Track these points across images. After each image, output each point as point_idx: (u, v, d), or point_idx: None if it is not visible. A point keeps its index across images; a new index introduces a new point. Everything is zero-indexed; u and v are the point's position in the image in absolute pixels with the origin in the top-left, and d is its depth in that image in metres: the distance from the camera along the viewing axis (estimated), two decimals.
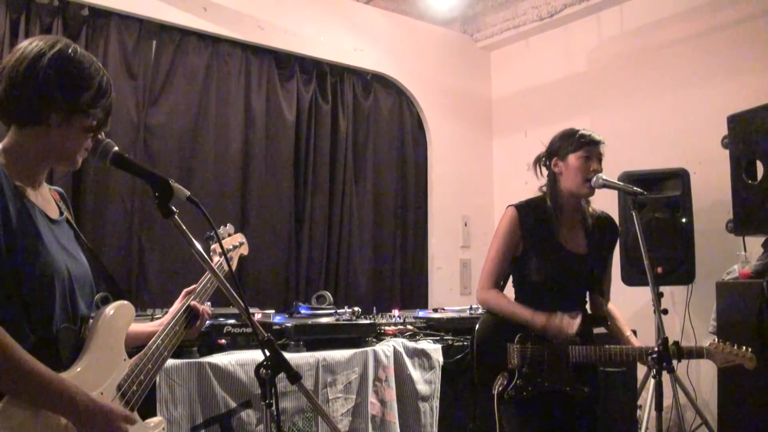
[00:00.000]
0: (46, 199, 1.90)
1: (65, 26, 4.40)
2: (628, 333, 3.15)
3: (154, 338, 2.04)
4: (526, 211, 3.11)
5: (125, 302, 1.98)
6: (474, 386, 3.14)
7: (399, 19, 6.12)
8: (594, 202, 3.22)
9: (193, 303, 2.23)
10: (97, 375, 1.80)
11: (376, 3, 5.96)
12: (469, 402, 3.96)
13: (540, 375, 2.97)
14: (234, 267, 2.76)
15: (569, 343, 2.96)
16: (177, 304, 2.25)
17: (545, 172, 3.19)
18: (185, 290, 2.30)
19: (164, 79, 4.82)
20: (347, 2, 5.85)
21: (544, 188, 3.18)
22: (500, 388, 2.96)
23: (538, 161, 3.20)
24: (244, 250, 2.87)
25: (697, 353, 2.91)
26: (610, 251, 3.27)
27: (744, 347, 2.85)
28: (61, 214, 1.94)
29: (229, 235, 2.78)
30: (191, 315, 2.22)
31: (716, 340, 2.91)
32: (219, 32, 5.00)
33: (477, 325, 3.18)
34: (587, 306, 3.20)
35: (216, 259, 2.47)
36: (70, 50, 1.80)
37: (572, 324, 2.92)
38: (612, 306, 3.25)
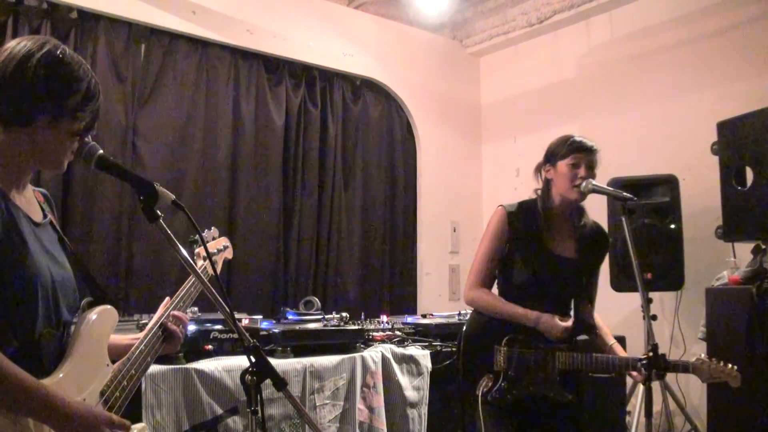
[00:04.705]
0: (30, 201, 1.87)
1: (54, 29, 4.35)
2: (612, 342, 3.14)
3: (137, 343, 2.01)
4: (515, 211, 3.12)
5: (108, 307, 1.95)
6: (463, 392, 3.11)
7: (388, 25, 6.12)
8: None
9: (166, 323, 2.14)
10: (79, 381, 1.78)
11: (365, 8, 5.96)
12: (458, 409, 3.94)
13: (525, 379, 2.95)
14: (219, 271, 2.73)
15: (556, 349, 2.96)
16: (159, 311, 2.20)
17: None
18: (167, 298, 2.25)
19: (153, 82, 4.79)
20: (337, 7, 5.84)
21: (539, 191, 3.19)
22: (484, 390, 2.95)
23: (538, 169, 3.21)
24: (229, 254, 2.84)
25: (683, 368, 2.87)
26: (599, 261, 3.27)
27: (729, 365, 2.82)
28: (45, 216, 1.91)
29: (214, 238, 2.76)
30: (166, 333, 2.13)
31: (702, 356, 2.88)
32: (208, 36, 4.98)
33: (465, 325, 3.17)
34: (572, 314, 3.19)
35: (200, 263, 2.44)
36: (58, 51, 1.77)
37: (563, 324, 2.93)
38: (597, 315, 3.24)
